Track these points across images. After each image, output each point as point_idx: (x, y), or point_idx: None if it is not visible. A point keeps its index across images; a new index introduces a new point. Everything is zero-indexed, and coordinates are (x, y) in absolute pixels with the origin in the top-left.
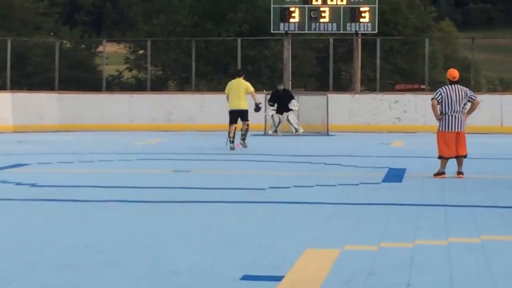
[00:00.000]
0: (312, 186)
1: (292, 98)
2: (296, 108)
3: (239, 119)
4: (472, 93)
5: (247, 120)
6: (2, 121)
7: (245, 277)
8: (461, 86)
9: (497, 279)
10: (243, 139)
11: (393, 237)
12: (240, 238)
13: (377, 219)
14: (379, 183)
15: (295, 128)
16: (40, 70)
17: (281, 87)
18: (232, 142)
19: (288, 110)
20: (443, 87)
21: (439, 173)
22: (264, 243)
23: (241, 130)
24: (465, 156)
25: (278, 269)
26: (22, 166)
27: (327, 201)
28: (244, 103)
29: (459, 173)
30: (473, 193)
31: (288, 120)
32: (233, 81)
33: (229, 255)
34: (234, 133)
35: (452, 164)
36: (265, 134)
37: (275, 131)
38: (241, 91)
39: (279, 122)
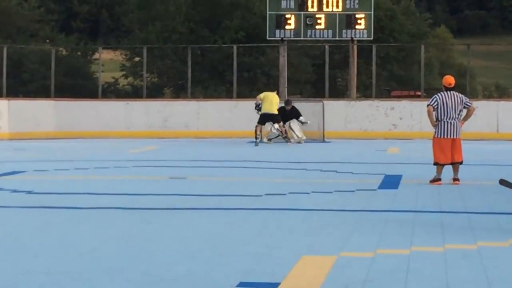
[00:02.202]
0: (308, 193)
1: (300, 115)
2: (307, 122)
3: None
4: (467, 100)
5: (280, 121)
6: None
7: (241, 284)
8: (457, 93)
9: (494, 285)
10: (285, 137)
11: (389, 244)
12: (236, 245)
13: (374, 225)
14: (375, 190)
15: (297, 136)
16: (36, 77)
17: (288, 107)
18: (258, 139)
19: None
20: (438, 94)
21: (435, 180)
22: (260, 250)
23: (280, 131)
24: (461, 163)
25: (274, 276)
26: (18, 174)
27: (323, 207)
28: (276, 108)
29: (455, 179)
30: (469, 200)
31: (290, 127)
32: (269, 92)
33: (225, 262)
34: (261, 132)
35: (448, 170)
36: (260, 141)
37: (269, 139)
38: (273, 100)
39: (277, 136)
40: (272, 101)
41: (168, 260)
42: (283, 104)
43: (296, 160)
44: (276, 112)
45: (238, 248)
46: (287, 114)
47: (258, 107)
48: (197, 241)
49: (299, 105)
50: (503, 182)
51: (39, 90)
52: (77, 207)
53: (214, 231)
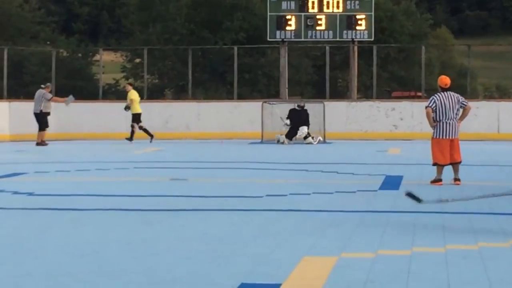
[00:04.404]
0: (309, 194)
1: (308, 118)
2: (288, 125)
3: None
4: (463, 99)
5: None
6: None
7: (242, 285)
8: (453, 93)
9: (495, 286)
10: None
11: (390, 245)
12: (237, 246)
13: (375, 226)
14: (376, 191)
15: (312, 137)
16: (37, 79)
17: (301, 104)
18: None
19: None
20: (436, 95)
21: (436, 180)
22: (261, 251)
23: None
24: (459, 163)
25: (275, 277)
26: (19, 175)
27: (324, 208)
28: None
29: (456, 179)
30: (470, 200)
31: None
32: None
33: (226, 263)
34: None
35: (448, 171)
36: (262, 142)
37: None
38: None
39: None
40: None
41: (170, 261)
42: (293, 107)
43: (297, 161)
44: None
45: (239, 249)
46: (298, 113)
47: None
48: (198, 242)
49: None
50: (409, 195)
51: None
52: (78, 209)
53: (215, 232)
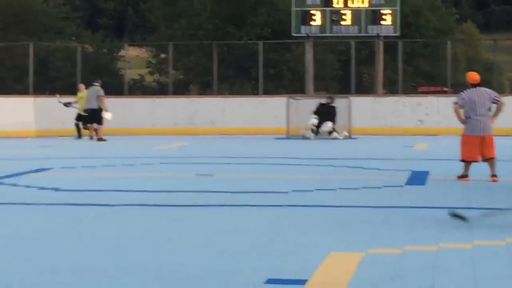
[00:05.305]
0: (335, 189)
1: (335, 115)
2: (326, 129)
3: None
4: (496, 95)
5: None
6: (25, 126)
7: (269, 281)
8: (484, 88)
9: None
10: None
11: (417, 240)
12: (264, 242)
13: (401, 222)
14: (402, 186)
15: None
16: (62, 74)
17: (329, 101)
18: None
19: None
20: (464, 91)
21: (463, 176)
22: (288, 247)
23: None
24: (493, 158)
25: (301, 272)
26: (45, 171)
27: (350, 204)
28: None
29: (493, 175)
30: (498, 196)
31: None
32: None
33: (253, 259)
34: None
35: (476, 166)
36: (287, 137)
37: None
38: None
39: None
40: None
41: (196, 257)
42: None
43: (322, 157)
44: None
45: (266, 245)
46: (326, 109)
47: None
48: (224, 238)
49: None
50: (454, 215)
51: (66, 87)
52: (104, 204)
53: (241, 228)
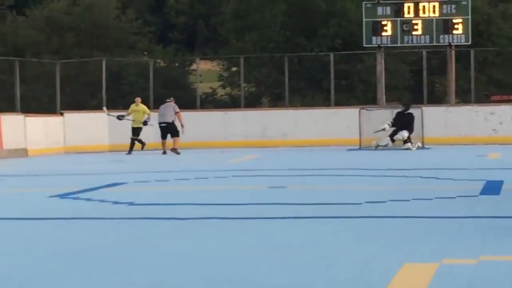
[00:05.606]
0: (409, 200)
1: (410, 122)
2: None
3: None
4: None
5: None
6: (99, 141)
7: None
8: None
9: None
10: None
11: (493, 251)
12: (337, 254)
13: (476, 232)
14: (476, 196)
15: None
16: (135, 89)
17: (404, 108)
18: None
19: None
20: None
21: None
22: (362, 258)
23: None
24: None
25: (376, 284)
26: (119, 185)
27: (424, 214)
28: None
29: None
30: None
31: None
32: None
33: (326, 271)
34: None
35: None
36: (359, 148)
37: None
38: None
39: (384, 144)
40: None
41: (268, 269)
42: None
43: (395, 167)
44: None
45: (339, 256)
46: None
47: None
48: (298, 250)
49: (396, 111)
50: None
51: None
52: (178, 218)
53: (315, 239)
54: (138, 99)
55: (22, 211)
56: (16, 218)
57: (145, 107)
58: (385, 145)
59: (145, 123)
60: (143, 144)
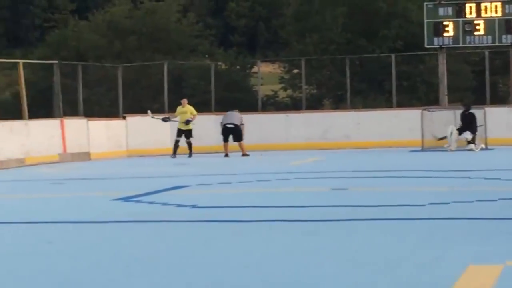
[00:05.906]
0: (472, 202)
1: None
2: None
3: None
4: None
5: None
6: (161, 144)
7: None
8: None
9: None
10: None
11: None
12: (401, 255)
13: None
14: None
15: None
16: (196, 92)
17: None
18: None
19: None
20: None
21: None
22: (425, 260)
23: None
24: None
25: (440, 286)
26: (182, 188)
27: (488, 216)
28: None
29: None
30: None
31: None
32: None
33: (389, 274)
34: None
35: None
36: (422, 150)
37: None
38: None
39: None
40: None
41: (332, 272)
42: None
43: (458, 169)
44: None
45: (403, 258)
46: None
47: None
48: (361, 252)
49: (459, 112)
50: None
51: (200, 104)
52: (241, 221)
53: (377, 242)
54: (185, 100)
55: (85, 214)
56: (79, 222)
57: (192, 108)
58: (448, 146)
59: (187, 122)
60: (190, 148)
